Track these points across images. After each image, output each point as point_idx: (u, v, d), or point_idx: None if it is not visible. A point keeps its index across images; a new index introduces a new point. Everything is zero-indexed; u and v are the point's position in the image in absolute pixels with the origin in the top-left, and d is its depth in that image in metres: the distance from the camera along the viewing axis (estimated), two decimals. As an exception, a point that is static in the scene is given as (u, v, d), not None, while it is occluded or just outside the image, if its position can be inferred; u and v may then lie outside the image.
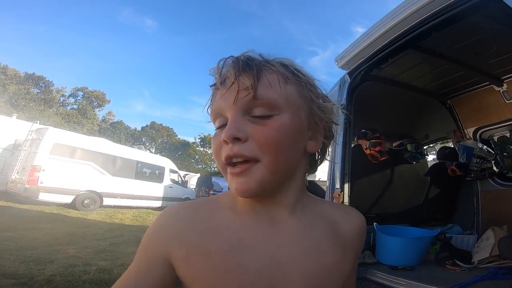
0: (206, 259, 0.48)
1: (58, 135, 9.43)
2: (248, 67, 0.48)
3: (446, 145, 3.80)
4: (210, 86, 0.53)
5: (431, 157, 4.23)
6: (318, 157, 0.60)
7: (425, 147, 3.75)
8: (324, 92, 0.56)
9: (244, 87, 0.46)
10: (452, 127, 3.38)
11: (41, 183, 8.56)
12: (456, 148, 3.22)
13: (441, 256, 2.33)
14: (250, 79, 0.47)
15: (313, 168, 0.59)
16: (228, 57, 0.50)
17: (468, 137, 3.30)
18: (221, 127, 0.50)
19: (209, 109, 0.54)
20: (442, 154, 3.31)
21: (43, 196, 8.66)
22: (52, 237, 5.30)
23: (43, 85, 39.72)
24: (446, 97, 3.36)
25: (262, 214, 0.53)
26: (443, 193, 3.28)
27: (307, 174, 0.58)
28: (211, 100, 0.53)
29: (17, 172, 9.06)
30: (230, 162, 0.48)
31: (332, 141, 0.58)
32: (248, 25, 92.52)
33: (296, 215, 0.54)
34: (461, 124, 3.38)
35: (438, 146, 3.91)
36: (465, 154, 3.03)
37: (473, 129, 3.31)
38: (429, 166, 3.54)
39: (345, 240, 0.57)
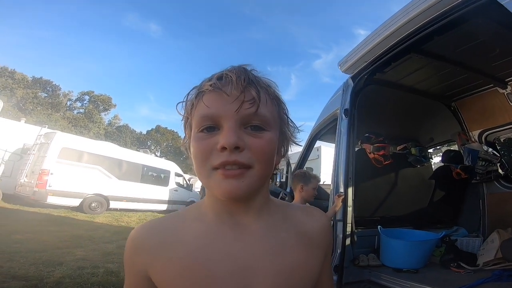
0: (178, 270, 0.52)
1: (66, 139, 9.58)
2: (255, 82, 0.52)
3: (451, 148, 3.78)
4: (201, 88, 0.53)
5: (436, 159, 4.20)
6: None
7: (429, 150, 3.73)
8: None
9: (250, 99, 0.50)
10: (457, 129, 3.37)
11: (49, 186, 8.70)
12: (461, 151, 3.21)
13: (445, 259, 2.33)
14: (255, 93, 0.51)
15: (272, 177, 0.64)
16: (233, 66, 0.54)
17: (473, 139, 3.29)
18: (206, 130, 0.51)
19: (191, 109, 0.54)
20: (447, 157, 3.30)
21: (51, 199, 8.79)
22: (60, 239, 5.39)
23: (50, 89, 40.13)
24: (451, 100, 3.35)
25: (228, 220, 0.56)
26: (448, 195, 3.27)
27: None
28: (193, 102, 0.53)
29: (26, 176, 9.21)
30: (223, 167, 0.49)
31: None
32: (252, 29, 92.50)
33: (262, 218, 0.58)
34: (465, 126, 3.37)
35: (444, 149, 3.90)
36: (470, 157, 3.02)
37: (478, 131, 3.29)
38: (433, 169, 3.54)
39: (309, 239, 0.61)
